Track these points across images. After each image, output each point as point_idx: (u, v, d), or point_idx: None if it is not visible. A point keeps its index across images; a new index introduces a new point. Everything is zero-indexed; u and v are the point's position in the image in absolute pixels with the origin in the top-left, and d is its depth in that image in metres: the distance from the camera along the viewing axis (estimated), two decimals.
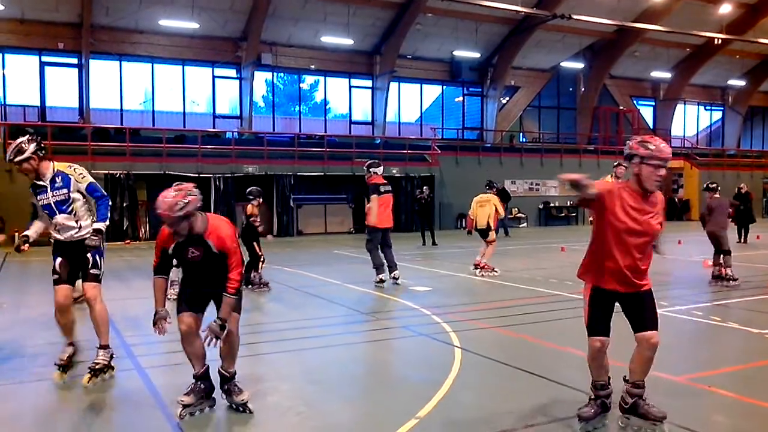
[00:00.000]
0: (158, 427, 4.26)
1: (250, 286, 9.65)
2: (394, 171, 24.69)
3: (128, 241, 19.90)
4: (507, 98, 31.77)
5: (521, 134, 32.49)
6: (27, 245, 5.28)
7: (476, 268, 11.49)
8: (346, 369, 5.92)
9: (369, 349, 6.61)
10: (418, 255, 15.64)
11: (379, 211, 10.26)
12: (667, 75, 34.16)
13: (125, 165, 20.43)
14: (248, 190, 10.26)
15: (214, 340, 4.18)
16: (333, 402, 4.81)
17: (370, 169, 10.49)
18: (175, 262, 4.42)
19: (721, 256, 10.12)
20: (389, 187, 10.60)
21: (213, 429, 4.13)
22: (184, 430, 4.15)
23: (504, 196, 22.44)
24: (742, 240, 17.76)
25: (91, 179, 5.33)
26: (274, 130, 27.24)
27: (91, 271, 5.18)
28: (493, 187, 12.27)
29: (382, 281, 10.23)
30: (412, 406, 4.52)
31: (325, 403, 4.77)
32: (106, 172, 20.14)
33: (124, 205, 20.24)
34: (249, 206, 10.05)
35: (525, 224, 27.40)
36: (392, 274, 10.41)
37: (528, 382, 5.21)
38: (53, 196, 5.17)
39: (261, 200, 10.31)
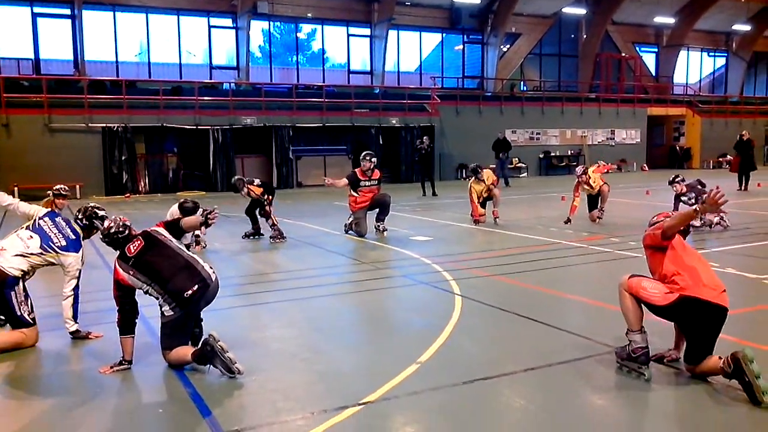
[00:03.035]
0: (165, 374, 4.37)
1: (271, 239, 10.06)
2: (394, 121, 24.52)
3: (128, 194, 19.91)
4: (508, 46, 31.25)
5: (522, 83, 32.08)
6: None
7: (495, 219, 11.57)
8: (349, 316, 6.02)
9: (370, 297, 6.69)
10: (419, 205, 15.66)
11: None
12: (671, 20, 33.45)
13: (123, 118, 20.27)
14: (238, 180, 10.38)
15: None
16: (337, 348, 4.90)
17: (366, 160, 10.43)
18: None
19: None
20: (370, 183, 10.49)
21: (217, 375, 4.21)
22: (188, 378, 4.24)
23: (504, 145, 22.35)
24: (743, 188, 17.74)
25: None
26: (271, 80, 26.89)
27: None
28: (478, 172, 11.77)
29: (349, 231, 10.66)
30: (413, 352, 4.60)
31: (329, 349, 4.86)
32: (104, 125, 20.03)
33: (123, 158, 20.17)
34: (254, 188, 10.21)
35: (525, 174, 27.34)
36: (378, 224, 10.55)
37: (528, 328, 5.29)
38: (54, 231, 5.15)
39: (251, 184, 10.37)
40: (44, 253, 5.02)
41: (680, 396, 3.92)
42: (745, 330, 4.89)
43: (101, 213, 5.34)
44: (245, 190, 10.10)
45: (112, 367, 4.38)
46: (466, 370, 4.27)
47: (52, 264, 5.13)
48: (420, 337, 5.02)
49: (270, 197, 10.27)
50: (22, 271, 4.93)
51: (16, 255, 4.93)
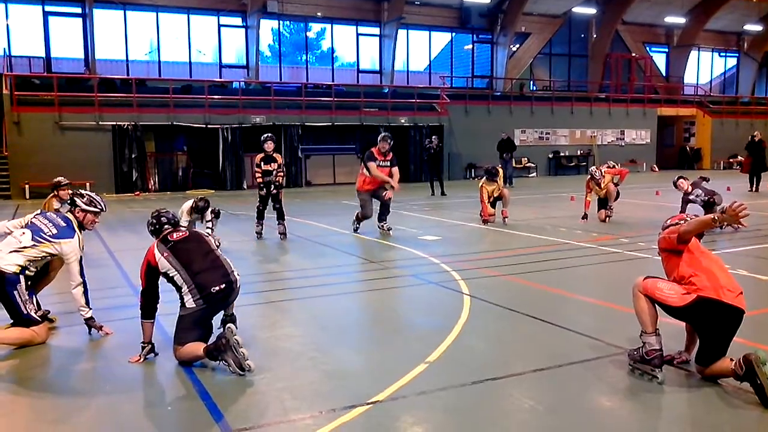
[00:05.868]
0: (174, 371, 4.37)
1: (281, 235, 10.16)
2: (403, 120, 24.50)
3: (138, 192, 20.00)
4: (517, 45, 31.16)
5: (531, 82, 31.99)
6: None
7: (504, 219, 11.52)
8: (357, 316, 6.02)
9: (379, 297, 6.68)
10: (427, 205, 15.64)
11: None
12: (681, 20, 33.24)
13: (133, 116, 20.36)
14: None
15: None
16: (344, 347, 4.90)
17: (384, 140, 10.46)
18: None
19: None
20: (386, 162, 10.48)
21: (226, 374, 4.21)
22: (197, 376, 4.25)
23: (508, 146, 22.24)
24: (754, 188, 17.62)
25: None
26: (281, 79, 26.95)
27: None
28: (493, 174, 11.74)
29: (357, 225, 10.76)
30: (421, 352, 4.59)
31: (336, 348, 4.85)
32: (114, 123, 20.13)
33: (133, 156, 20.27)
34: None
35: (534, 174, 27.26)
36: (381, 224, 10.53)
37: (537, 328, 5.27)
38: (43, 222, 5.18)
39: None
40: (37, 243, 5.01)
41: (691, 398, 3.89)
42: (757, 332, 4.85)
43: (81, 191, 5.49)
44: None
45: (140, 355, 4.49)
46: (475, 371, 4.26)
47: (51, 255, 5.12)
48: (428, 336, 5.00)
49: (281, 175, 10.33)
50: (20, 266, 4.91)
51: (11, 252, 4.95)
